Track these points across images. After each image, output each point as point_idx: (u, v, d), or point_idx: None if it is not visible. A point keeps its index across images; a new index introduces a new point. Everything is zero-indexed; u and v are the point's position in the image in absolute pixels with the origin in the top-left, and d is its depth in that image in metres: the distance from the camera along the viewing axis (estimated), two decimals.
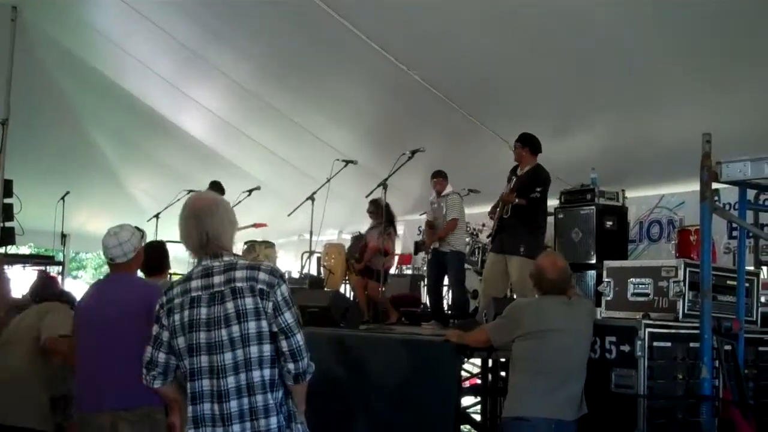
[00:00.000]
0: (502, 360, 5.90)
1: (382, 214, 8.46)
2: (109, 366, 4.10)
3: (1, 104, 10.03)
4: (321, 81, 10.45)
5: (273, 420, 3.18)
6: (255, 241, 10.73)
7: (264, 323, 3.18)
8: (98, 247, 15.95)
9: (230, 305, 3.18)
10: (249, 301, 3.18)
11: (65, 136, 13.03)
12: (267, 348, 3.19)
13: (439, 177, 8.42)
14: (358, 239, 9.47)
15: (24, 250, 14.52)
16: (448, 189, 8.36)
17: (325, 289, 8.76)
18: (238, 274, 3.23)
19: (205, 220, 3.25)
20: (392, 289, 9.71)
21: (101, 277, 5.02)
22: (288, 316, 3.21)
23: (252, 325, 3.16)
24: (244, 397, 3.17)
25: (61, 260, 12.30)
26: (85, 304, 4.40)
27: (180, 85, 11.99)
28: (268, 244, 10.63)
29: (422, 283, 10.33)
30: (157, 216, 10.70)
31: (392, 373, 5.66)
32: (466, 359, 6.00)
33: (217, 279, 3.23)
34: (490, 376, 6.40)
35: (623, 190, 7.91)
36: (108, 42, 11.42)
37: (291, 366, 3.20)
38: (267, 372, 3.19)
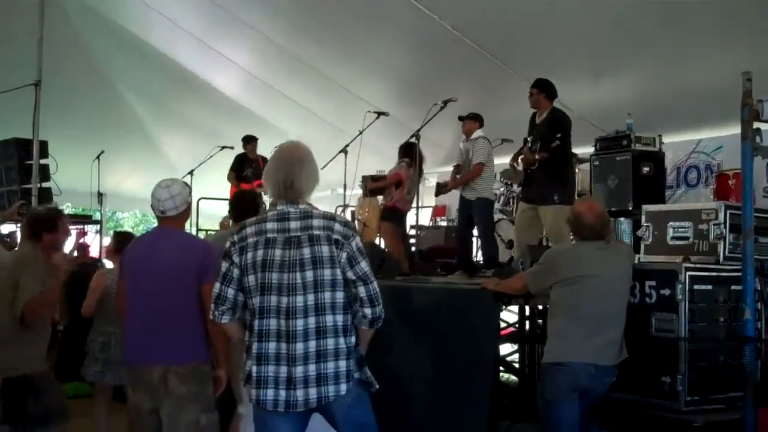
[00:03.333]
0: (540, 308, 5.90)
1: (403, 153, 8.41)
2: (159, 321, 4.13)
3: (33, 66, 10.06)
4: (351, 33, 10.37)
5: (342, 363, 3.33)
6: None
7: (338, 271, 3.34)
8: (134, 205, 16.29)
9: (307, 251, 3.33)
10: (325, 249, 3.34)
11: (97, 96, 13.07)
12: (340, 295, 3.35)
13: (468, 119, 7.99)
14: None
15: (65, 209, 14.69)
16: (478, 132, 7.93)
17: None
18: (315, 222, 3.39)
19: (294, 169, 3.43)
20: (427, 241, 9.70)
21: (149, 230, 5.01)
22: (364, 265, 3.39)
23: (327, 272, 3.32)
24: (311, 340, 3.30)
25: (99, 219, 12.39)
26: (132, 256, 4.37)
27: (209, 42, 11.98)
28: None
29: None
30: (191, 172, 10.75)
31: (430, 322, 5.70)
32: (503, 307, 5.98)
33: (294, 224, 3.39)
34: (527, 324, 6.37)
35: (660, 136, 7.77)
36: (136, 1, 11.40)
37: (368, 311, 3.38)
38: (340, 317, 3.35)
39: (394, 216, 8.52)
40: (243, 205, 5.30)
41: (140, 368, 4.15)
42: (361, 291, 3.36)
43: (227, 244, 3.48)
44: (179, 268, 4.15)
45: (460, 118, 8.02)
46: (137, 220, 27.15)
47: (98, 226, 12.00)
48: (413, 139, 7.91)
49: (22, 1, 10.19)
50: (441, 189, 8.51)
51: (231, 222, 5.56)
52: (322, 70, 11.37)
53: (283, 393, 3.30)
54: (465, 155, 7.99)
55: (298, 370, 3.28)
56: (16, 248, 5.66)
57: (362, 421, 3.46)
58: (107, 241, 9.17)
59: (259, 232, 3.41)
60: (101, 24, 12.20)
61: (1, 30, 10.62)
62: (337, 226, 3.40)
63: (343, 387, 3.32)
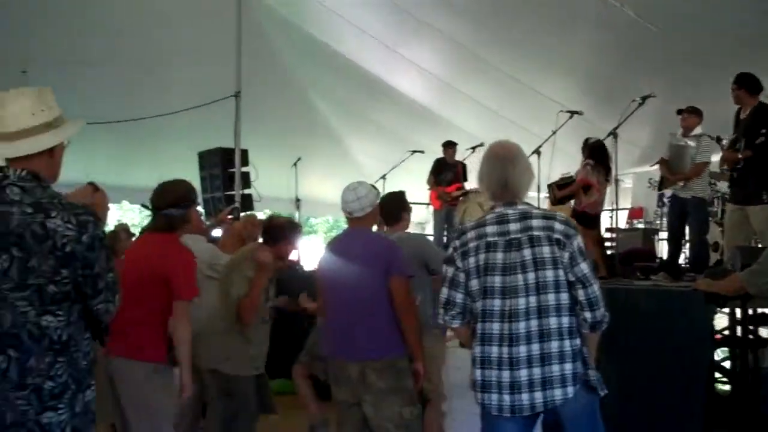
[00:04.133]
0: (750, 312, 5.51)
1: (588, 154, 8.09)
2: (354, 319, 4.26)
3: (233, 78, 10.59)
4: (536, 32, 10.16)
5: (568, 366, 3.24)
6: (470, 190, 10.74)
7: (561, 272, 3.26)
8: (327, 211, 16.73)
9: (527, 252, 3.27)
10: (546, 250, 3.26)
11: (292, 105, 13.52)
12: (564, 296, 3.26)
13: (688, 113, 7.56)
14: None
15: (260, 215, 15.31)
16: (699, 129, 7.52)
17: None
18: (535, 222, 3.32)
19: (507, 168, 3.38)
20: (624, 244, 9.34)
21: (339, 233, 5.21)
22: (584, 266, 3.28)
23: (549, 273, 3.25)
24: (534, 342, 3.23)
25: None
26: (326, 257, 4.57)
27: (395, 46, 12.10)
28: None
29: (656, 237, 9.85)
30: (383, 177, 10.92)
31: (641, 324, 5.47)
32: (718, 309, 5.62)
33: (513, 226, 3.34)
34: (739, 328, 5.94)
35: None
36: (324, 8, 11.72)
37: (588, 315, 3.28)
38: (565, 319, 3.26)
39: (586, 220, 8.23)
40: (384, 210, 5.13)
41: (339, 364, 4.30)
42: (581, 294, 3.27)
43: (449, 250, 3.50)
44: (367, 264, 4.28)
45: (679, 112, 7.64)
46: (329, 226, 27.98)
47: None
48: (595, 137, 7.58)
49: (221, 17, 10.73)
50: (664, 183, 8.06)
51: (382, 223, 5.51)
52: (508, 70, 11.22)
53: (507, 398, 3.25)
54: (681, 150, 7.54)
55: (522, 374, 3.22)
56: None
57: (591, 426, 3.37)
58: (304, 245, 9.46)
59: (479, 236, 3.40)
60: (294, 34, 12.64)
61: (202, 46, 11.19)
62: (558, 225, 3.32)
63: (570, 390, 3.23)
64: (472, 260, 3.37)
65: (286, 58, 13.16)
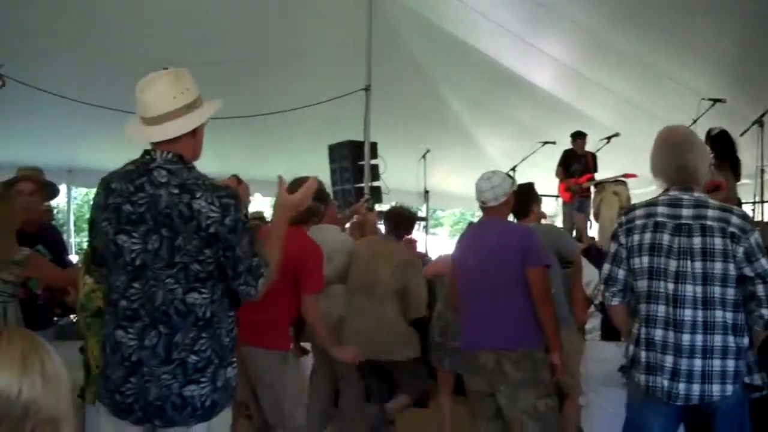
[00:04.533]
0: None
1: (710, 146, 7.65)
2: (489, 308, 4.24)
3: (363, 72, 10.69)
4: (675, 18, 9.74)
5: (730, 363, 3.14)
6: (605, 180, 10.41)
7: (731, 266, 3.14)
8: (455, 204, 16.62)
9: (697, 240, 3.18)
10: (718, 242, 3.16)
11: (421, 98, 13.51)
12: (731, 291, 3.15)
13: None
14: None
15: (386, 207, 15.41)
16: None
17: None
18: (710, 212, 3.22)
19: (683, 153, 3.32)
20: None
21: (473, 221, 5.23)
22: (764, 262, 3.16)
23: (718, 266, 3.15)
24: (698, 333, 3.15)
25: (424, 216, 12.84)
26: (461, 247, 4.58)
27: (527, 37, 11.91)
28: (619, 182, 10.21)
29: None
30: (513, 169, 10.79)
31: None
32: None
33: (686, 212, 3.25)
34: None
35: None
36: (455, 1, 11.65)
37: (765, 311, 3.15)
38: (730, 315, 3.16)
39: None
40: (521, 201, 5.15)
41: (475, 354, 4.29)
42: (759, 289, 3.13)
43: (615, 226, 3.46)
44: (502, 254, 4.24)
45: None
46: (456, 219, 27.94)
47: (423, 222, 12.43)
48: (718, 127, 7.17)
49: (352, 12, 10.84)
50: None
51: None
52: (644, 59, 10.84)
53: (666, 383, 3.18)
54: None
55: (683, 363, 3.14)
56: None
57: (740, 425, 3.25)
58: (432, 237, 9.46)
59: (648, 215, 3.32)
60: (423, 27, 12.61)
61: (334, 40, 11.35)
62: (735, 219, 3.20)
63: (729, 388, 3.13)
64: (636, 237, 3.31)
65: (417, 51, 13.16)
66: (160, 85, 2.80)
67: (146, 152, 2.85)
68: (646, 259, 3.26)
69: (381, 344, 5.40)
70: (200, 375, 2.74)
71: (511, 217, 4.88)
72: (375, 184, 10.57)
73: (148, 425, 2.79)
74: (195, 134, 2.88)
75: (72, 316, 6.00)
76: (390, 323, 5.46)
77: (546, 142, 11.26)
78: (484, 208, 4.45)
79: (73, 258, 13.54)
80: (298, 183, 4.47)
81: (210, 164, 2.88)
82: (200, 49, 10.57)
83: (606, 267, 3.44)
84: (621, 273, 3.38)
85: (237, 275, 2.79)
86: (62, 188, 17.34)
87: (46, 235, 5.03)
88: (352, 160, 10.73)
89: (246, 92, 11.73)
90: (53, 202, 9.09)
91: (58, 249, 5.11)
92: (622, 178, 10.26)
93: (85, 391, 3.59)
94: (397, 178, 11.01)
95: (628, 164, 11.03)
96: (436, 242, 17.13)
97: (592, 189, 10.85)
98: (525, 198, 5.26)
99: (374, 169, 10.62)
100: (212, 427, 2.79)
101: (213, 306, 2.77)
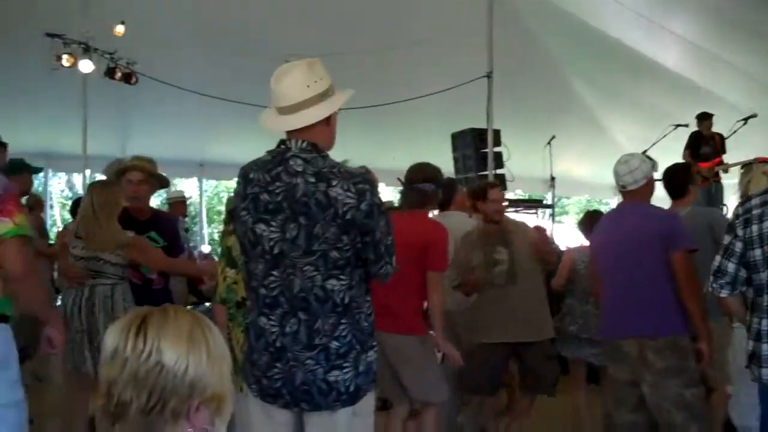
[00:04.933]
0: None
1: None
2: (630, 294, 4.12)
3: (484, 58, 10.56)
4: None
5: None
6: (753, 160, 9.94)
7: None
8: (580, 191, 16.26)
9: None
10: None
11: (546, 84, 13.31)
12: None
13: None
14: None
15: (510, 195, 15.19)
16: None
17: None
18: None
19: None
20: None
21: (597, 210, 5.12)
22: None
23: None
24: None
25: (550, 203, 12.61)
26: (600, 233, 4.48)
27: (654, 18, 11.49)
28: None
29: None
30: (644, 153, 10.42)
31: None
32: None
33: None
34: None
35: None
36: None
37: None
38: None
39: None
40: (677, 181, 5.02)
41: (617, 342, 4.18)
42: None
43: (731, 216, 3.34)
44: (644, 240, 4.11)
45: None
46: (581, 206, 27.31)
47: (549, 210, 12.22)
48: None
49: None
50: None
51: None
52: None
53: None
54: None
55: None
56: None
57: None
58: (558, 225, 9.28)
59: (764, 203, 3.17)
60: (545, 11, 12.38)
61: (453, 28, 11.27)
62: None
63: None
64: (755, 228, 3.17)
65: (539, 36, 12.94)
66: (295, 75, 2.82)
67: (282, 142, 2.88)
68: (766, 250, 3.12)
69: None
70: (343, 360, 2.77)
71: (662, 200, 4.74)
72: (499, 171, 10.43)
73: (295, 409, 2.85)
74: (329, 122, 2.89)
75: (207, 304, 6.18)
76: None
77: (678, 125, 10.84)
78: (623, 192, 4.31)
79: (205, 248, 14.07)
80: (414, 169, 4.60)
81: (334, 155, 2.89)
82: (321, 41, 10.70)
83: (717, 259, 3.33)
84: (731, 266, 3.27)
85: (378, 258, 2.82)
86: (193, 181, 18.04)
87: (162, 224, 5.19)
88: (475, 148, 10.63)
89: (368, 82, 11.81)
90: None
91: (173, 238, 5.23)
92: (758, 161, 9.82)
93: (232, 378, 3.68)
94: (522, 165, 10.85)
95: (759, 146, 10.53)
96: (561, 230, 16.77)
97: (721, 173, 10.42)
98: (680, 178, 5.10)
99: (498, 156, 10.48)
100: (356, 411, 2.82)
101: (351, 291, 2.79)
